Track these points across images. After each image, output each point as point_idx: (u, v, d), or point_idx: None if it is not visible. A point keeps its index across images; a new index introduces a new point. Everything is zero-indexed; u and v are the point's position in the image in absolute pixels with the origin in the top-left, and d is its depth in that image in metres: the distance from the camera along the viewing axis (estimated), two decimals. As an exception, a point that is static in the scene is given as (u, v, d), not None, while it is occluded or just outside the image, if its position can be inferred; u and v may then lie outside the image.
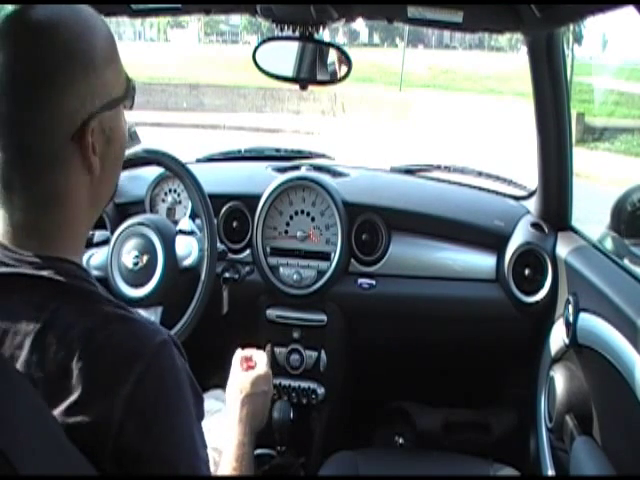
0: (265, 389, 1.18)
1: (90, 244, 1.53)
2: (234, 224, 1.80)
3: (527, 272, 1.66)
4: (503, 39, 23.79)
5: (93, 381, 0.67)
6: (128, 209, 1.81)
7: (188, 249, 1.49)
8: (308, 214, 1.76)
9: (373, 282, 1.75)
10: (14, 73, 0.69)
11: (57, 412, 0.66)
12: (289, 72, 1.53)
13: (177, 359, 0.72)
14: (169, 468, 0.69)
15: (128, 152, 1.46)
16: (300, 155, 2.11)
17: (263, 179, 1.81)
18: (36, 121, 0.70)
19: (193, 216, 1.56)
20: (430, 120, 12.26)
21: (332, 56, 1.52)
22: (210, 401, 1.40)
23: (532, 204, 1.78)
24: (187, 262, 1.48)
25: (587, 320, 1.32)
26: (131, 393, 0.67)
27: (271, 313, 1.76)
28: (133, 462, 0.68)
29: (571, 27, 3.31)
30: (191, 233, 1.53)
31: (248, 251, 1.79)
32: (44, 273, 0.70)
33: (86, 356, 0.67)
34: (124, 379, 0.67)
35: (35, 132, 0.70)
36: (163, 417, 0.70)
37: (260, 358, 1.23)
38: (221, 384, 1.65)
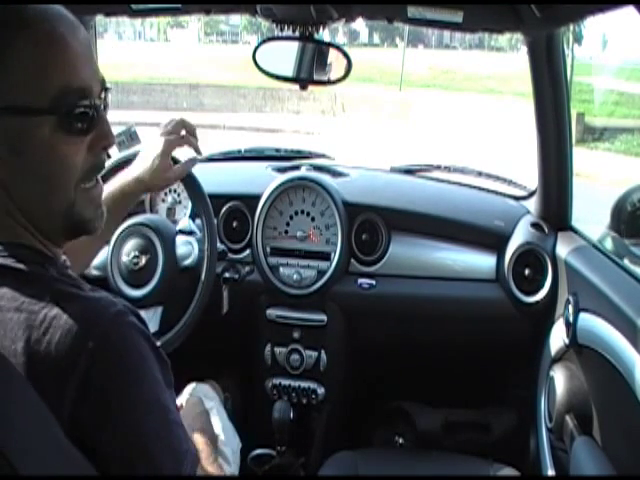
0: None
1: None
2: (234, 224, 1.80)
3: (527, 272, 1.66)
4: (503, 39, 23.79)
5: (44, 364, 0.66)
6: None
7: (188, 249, 1.49)
8: (308, 214, 1.76)
9: (373, 282, 1.75)
10: None
11: None
12: (289, 72, 1.53)
13: (134, 328, 0.71)
14: (139, 436, 0.69)
15: (128, 152, 1.46)
16: (300, 155, 2.11)
17: (263, 179, 1.81)
18: None
19: (193, 216, 1.56)
20: (430, 120, 12.26)
21: (332, 56, 1.52)
22: (203, 399, 1.40)
23: (532, 204, 1.78)
24: (187, 262, 1.48)
25: (587, 320, 1.32)
26: (85, 371, 0.66)
27: (271, 313, 1.76)
28: (96, 439, 0.67)
29: (571, 27, 3.30)
30: (191, 233, 1.53)
31: (248, 251, 1.79)
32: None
33: (34, 340, 0.67)
34: (76, 358, 0.66)
35: None
36: (125, 389, 0.69)
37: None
38: (220, 382, 1.65)
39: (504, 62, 18.35)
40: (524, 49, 1.55)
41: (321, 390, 1.76)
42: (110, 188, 1.20)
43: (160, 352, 0.75)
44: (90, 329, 0.68)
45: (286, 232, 1.77)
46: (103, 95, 0.78)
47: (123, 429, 0.68)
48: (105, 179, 1.59)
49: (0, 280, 0.70)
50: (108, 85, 0.80)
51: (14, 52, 0.70)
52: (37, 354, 0.67)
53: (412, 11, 1.38)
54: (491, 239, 1.75)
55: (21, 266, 0.71)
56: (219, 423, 1.35)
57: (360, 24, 27.05)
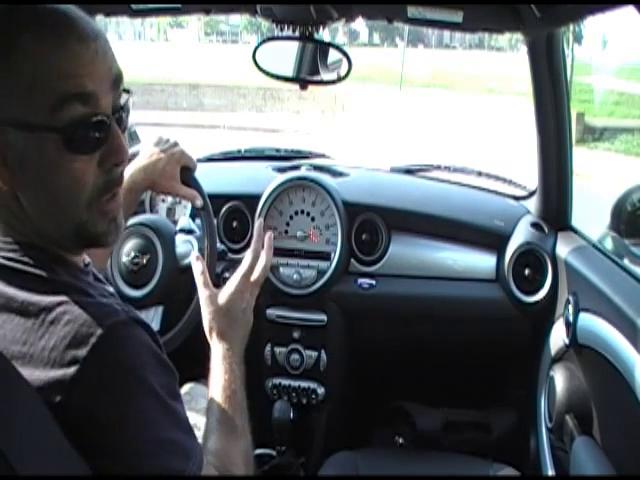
0: (238, 300, 1.04)
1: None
2: (234, 224, 1.80)
3: (527, 272, 1.66)
4: (503, 39, 23.79)
5: (40, 370, 0.66)
6: (128, 209, 1.82)
7: (188, 248, 1.49)
8: (308, 214, 1.76)
9: (373, 282, 1.75)
10: None
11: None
12: (289, 72, 1.53)
13: (132, 340, 0.69)
14: (124, 453, 0.67)
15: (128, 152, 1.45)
16: (300, 155, 2.11)
17: (263, 179, 1.82)
18: None
19: (193, 216, 1.56)
20: (430, 119, 12.26)
21: (332, 56, 1.52)
22: (199, 400, 1.40)
23: (532, 204, 1.78)
24: (187, 261, 1.48)
25: (587, 320, 1.32)
26: (73, 380, 0.65)
27: (271, 313, 1.76)
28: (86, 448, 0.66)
29: (571, 27, 3.30)
30: (191, 232, 1.53)
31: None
32: None
33: (30, 343, 0.66)
34: (69, 361, 0.65)
35: None
36: (113, 401, 0.66)
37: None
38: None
39: (504, 62, 18.35)
40: (524, 49, 1.55)
41: (321, 390, 1.76)
42: None
43: (167, 364, 0.72)
44: (84, 338, 0.66)
45: (286, 232, 1.77)
46: (122, 100, 0.74)
47: (110, 447, 0.66)
48: None
49: (8, 280, 0.70)
50: (126, 87, 0.75)
51: (13, 62, 0.66)
52: (34, 358, 0.66)
53: (412, 11, 1.37)
54: (491, 239, 1.75)
55: (30, 269, 0.71)
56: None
57: (360, 24, 27.03)
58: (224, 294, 1.03)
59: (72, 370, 0.65)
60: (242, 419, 0.91)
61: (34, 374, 0.66)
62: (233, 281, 1.05)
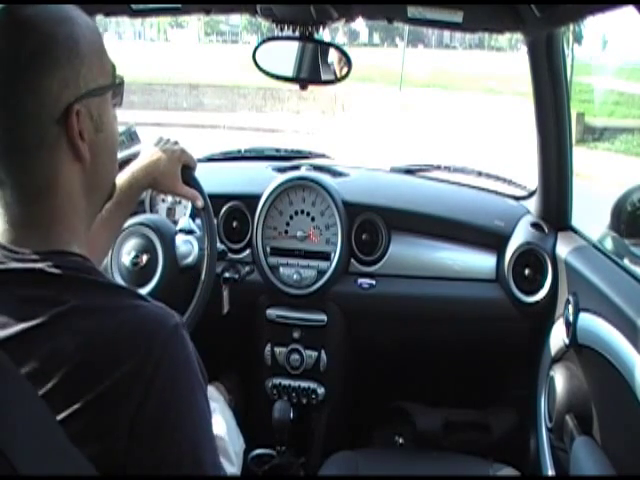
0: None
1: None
2: (234, 224, 1.80)
3: (527, 272, 1.66)
4: (503, 39, 23.78)
5: (106, 375, 0.66)
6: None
7: (188, 249, 1.49)
8: (308, 214, 1.76)
9: (373, 282, 1.75)
10: None
11: (70, 410, 0.65)
12: (289, 72, 1.53)
13: (189, 340, 0.73)
14: (191, 445, 0.69)
15: (128, 152, 1.45)
16: (300, 155, 2.11)
17: (263, 179, 1.81)
18: (20, 105, 0.70)
19: (193, 216, 1.56)
20: (430, 119, 12.27)
21: (332, 56, 1.52)
22: None
23: (532, 204, 1.78)
24: (187, 261, 1.48)
25: (587, 320, 1.32)
26: (151, 378, 0.67)
27: (271, 313, 1.76)
28: (153, 440, 0.67)
29: (571, 27, 3.30)
30: (191, 232, 1.53)
31: (248, 251, 1.79)
32: (37, 266, 0.70)
33: (97, 349, 0.67)
34: (142, 366, 0.67)
35: (20, 116, 0.70)
36: (181, 396, 0.70)
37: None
38: (222, 383, 1.65)
39: (504, 62, 18.35)
40: (524, 49, 1.55)
41: (321, 390, 1.76)
42: (119, 180, 1.20)
43: (201, 364, 0.76)
44: (153, 338, 0.68)
45: (286, 232, 1.77)
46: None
47: (181, 431, 0.69)
48: None
49: (58, 291, 0.69)
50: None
51: (79, 37, 0.73)
52: (99, 361, 0.66)
53: (412, 11, 1.38)
54: (491, 239, 1.75)
55: (67, 272, 0.71)
56: (223, 424, 1.35)
57: (360, 24, 27.03)
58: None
59: (148, 371, 0.67)
60: None
61: (97, 389, 0.66)
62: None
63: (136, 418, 0.66)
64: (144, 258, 1.44)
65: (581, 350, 1.36)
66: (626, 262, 1.43)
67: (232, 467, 1.26)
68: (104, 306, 0.69)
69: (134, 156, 1.34)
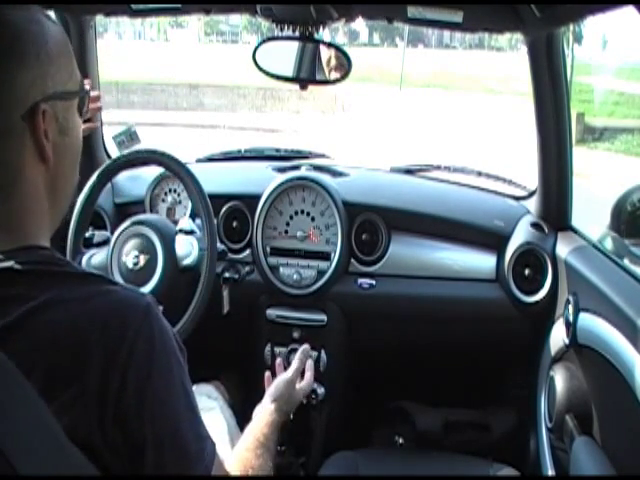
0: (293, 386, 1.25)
1: (90, 244, 1.53)
2: (234, 224, 1.80)
3: (527, 272, 1.66)
4: (503, 39, 23.77)
5: (84, 366, 0.67)
6: (128, 209, 1.82)
7: (188, 249, 1.49)
8: (308, 214, 1.76)
9: (373, 282, 1.75)
10: None
11: (60, 401, 0.66)
12: (289, 72, 1.53)
13: (162, 319, 0.74)
14: (172, 419, 0.71)
15: (128, 152, 1.45)
16: (300, 155, 2.11)
17: (263, 179, 1.81)
18: None
19: (193, 216, 1.56)
20: (430, 119, 12.27)
21: (332, 56, 1.52)
22: (202, 399, 1.39)
23: (532, 204, 1.78)
24: (187, 262, 1.48)
25: (587, 320, 1.32)
26: (126, 361, 0.68)
27: (271, 313, 1.76)
28: (136, 424, 0.68)
29: (571, 27, 3.30)
30: (191, 233, 1.53)
31: (248, 251, 1.79)
32: (5, 265, 0.70)
33: (72, 340, 0.67)
34: (117, 353, 0.68)
35: None
36: (159, 376, 0.71)
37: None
38: (222, 383, 1.65)
39: (504, 62, 18.35)
40: (524, 49, 1.55)
41: (321, 390, 1.76)
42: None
43: (179, 339, 0.77)
44: (126, 320, 0.70)
45: (286, 232, 1.77)
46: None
47: (160, 412, 0.70)
48: (110, 177, 1.60)
49: (28, 286, 0.70)
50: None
51: (48, 39, 0.74)
52: (76, 351, 0.67)
53: (412, 11, 1.38)
54: (491, 239, 1.75)
55: (36, 267, 0.71)
56: (223, 424, 1.35)
57: (360, 24, 27.01)
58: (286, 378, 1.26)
59: (122, 355, 0.68)
60: (265, 457, 1.00)
61: (79, 380, 0.67)
62: (289, 378, 1.26)
63: (118, 404, 0.67)
64: (144, 258, 1.44)
65: (581, 350, 1.36)
66: (626, 262, 1.42)
67: None
68: (75, 296, 0.70)
69: (134, 156, 1.33)
